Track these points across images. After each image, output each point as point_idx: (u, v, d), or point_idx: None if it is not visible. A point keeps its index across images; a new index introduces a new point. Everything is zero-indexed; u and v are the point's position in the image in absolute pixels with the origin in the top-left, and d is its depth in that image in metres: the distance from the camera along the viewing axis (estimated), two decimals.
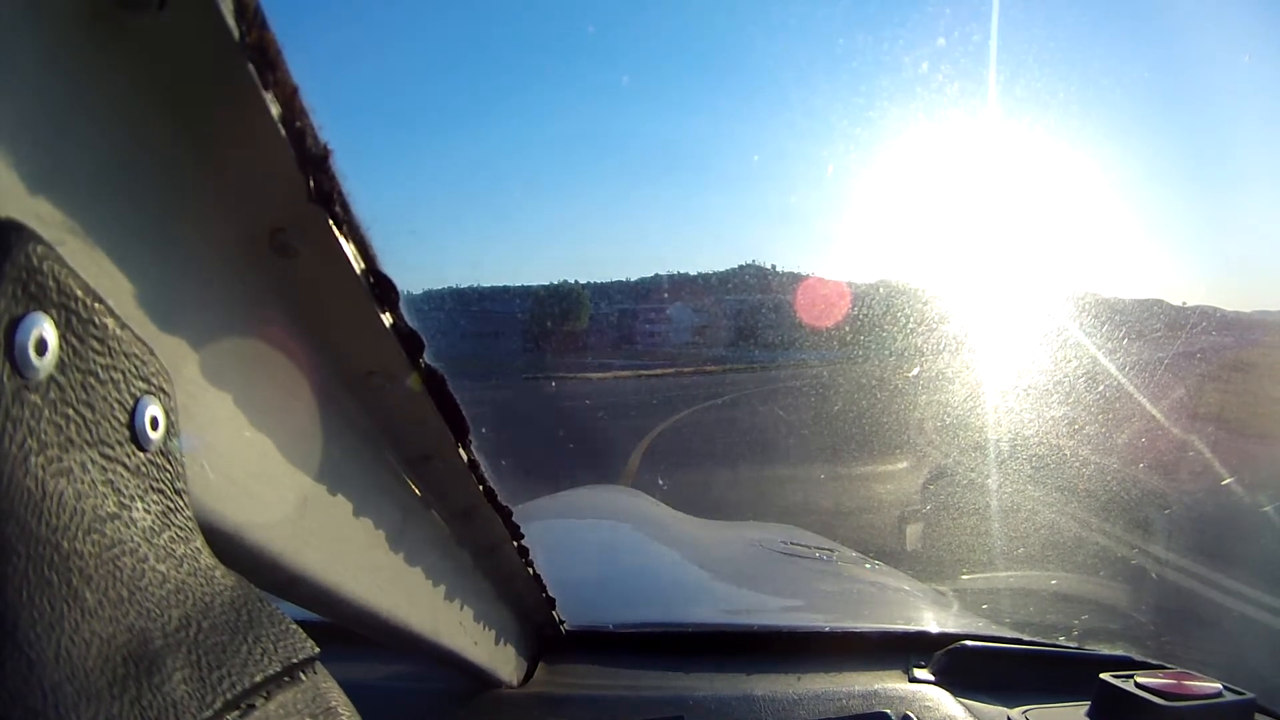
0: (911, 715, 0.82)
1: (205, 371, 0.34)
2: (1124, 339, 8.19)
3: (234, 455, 0.36)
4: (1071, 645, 1.06)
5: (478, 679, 0.83)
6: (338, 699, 0.35)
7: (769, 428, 10.75)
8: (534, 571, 0.81)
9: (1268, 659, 2.94)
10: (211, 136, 0.32)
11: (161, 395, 0.29)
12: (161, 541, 0.29)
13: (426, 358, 0.46)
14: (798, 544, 1.85)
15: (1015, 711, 0.85)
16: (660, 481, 5.92)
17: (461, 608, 0.70)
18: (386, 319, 0.42)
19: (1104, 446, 5.74)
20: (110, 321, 0.27)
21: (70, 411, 0.25)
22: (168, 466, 0.30)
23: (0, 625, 0.21)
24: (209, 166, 0.32)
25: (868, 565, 1.83)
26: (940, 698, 0.87)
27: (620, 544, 1.68)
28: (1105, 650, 1.02)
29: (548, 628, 0.99)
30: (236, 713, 0.29)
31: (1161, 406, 6.29)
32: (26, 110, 0.25)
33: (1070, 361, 7.05)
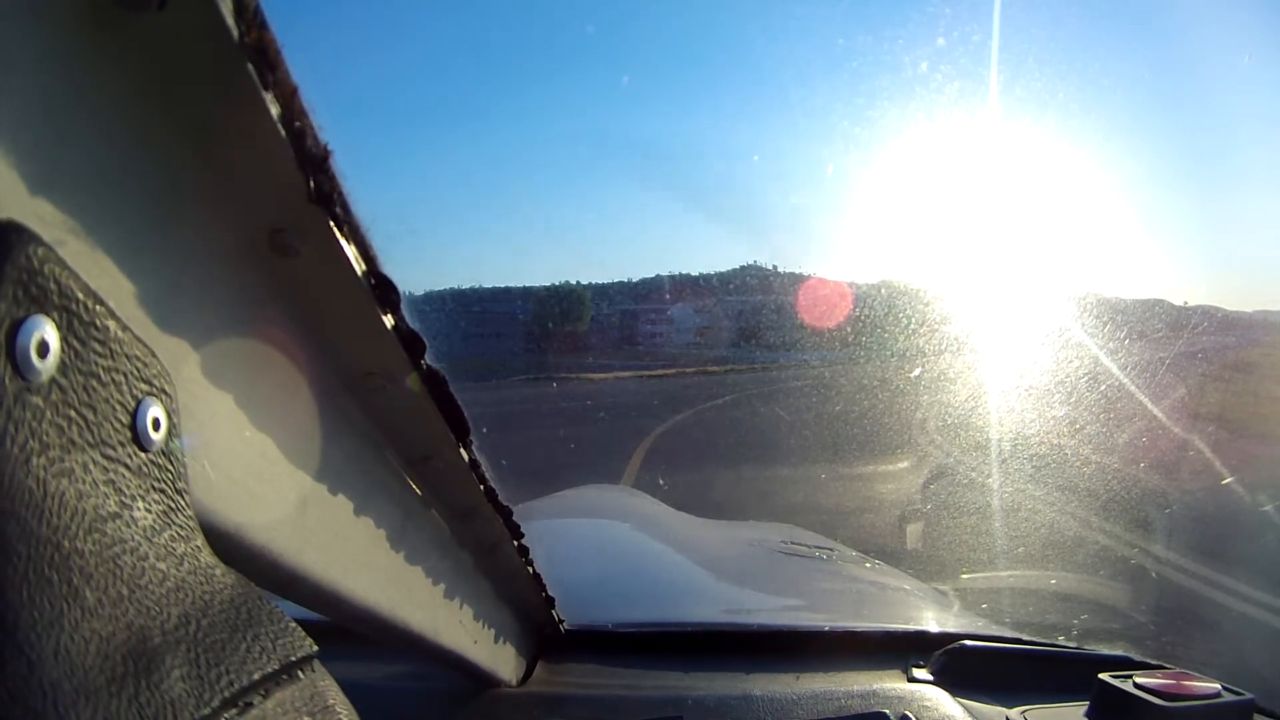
0: (910, 715, 0.82)
1: (206, 372, 0.34)
2: (1126, 339, 8.19)
3: (235, 455, 0.36)
4: (1071, 645, 1.06)
5: (477, 678, 0.83)
6: (336, 697, 0.36)
7: (770, 428, 10.74)
8: (534, 571, 0.82)
9: (1268, 659, 2.93)
10: (211, 136, 0.32)
11: (163, 396, 0.29)
12: (162, 540, 0.29)
13: (427, 358, 0.46)
14: (797, 543, 1.85)
15: (1014, 711, 0.85)
16: (660, 481, 5.92)
17: (461, 607, 0.70)
18: (387, 320, 0.42)
19: (1105, 446, 5.73)
20: (112, 323, 0.27)
21: (72, 413, 0.25)
22: (169, 466, 0.30)
23: (1, 624, 0.21)
24: (209, 166, 0.32)
25: (867, 565, 1.83)
26: (939, 697, 0.87)
27: (620, 544, 1.68)
28: (1104, 650, 1.02)
29: (547, 627, 0.99)
30: (234, 710, 0.29)
31: (1163, 406, 6.28)
32: (26, 110, 0.25)
33: (1072, 361, 7.05)
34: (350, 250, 0.37)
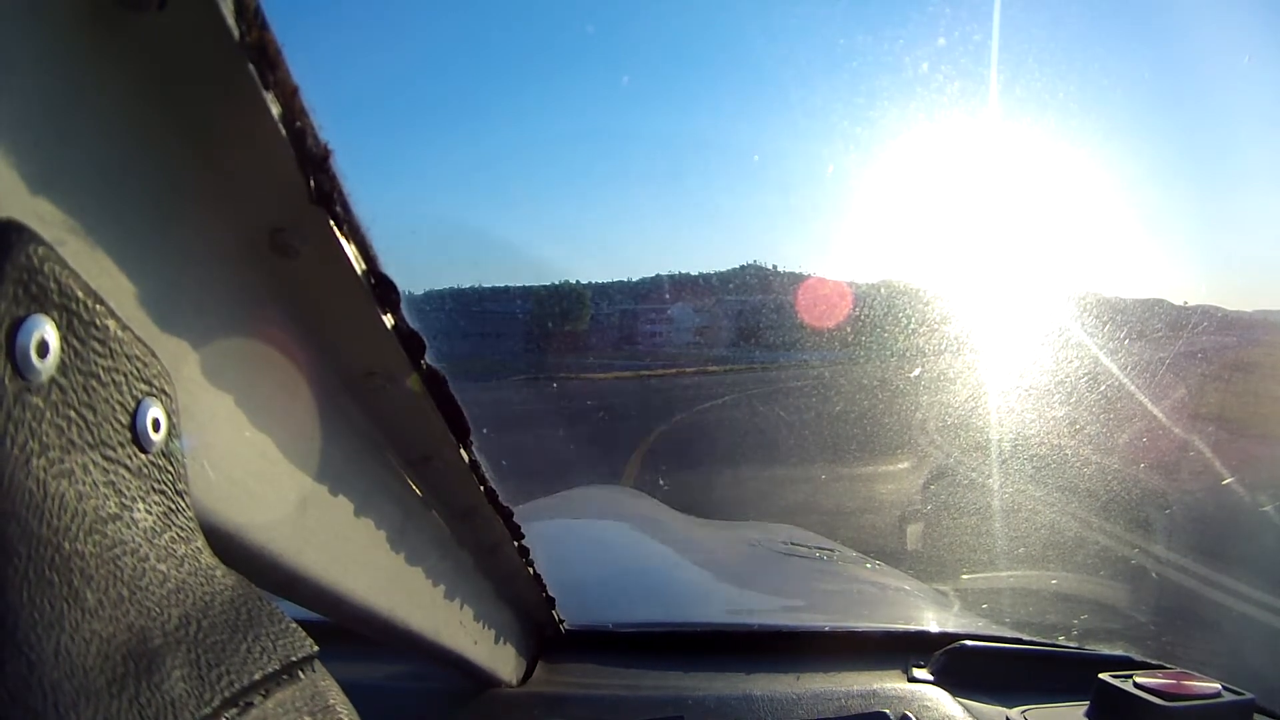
0: (910, 715, 0.82)
1: (206, 372, 0.34)
2: (1125, 339, 8.19)
3: (235, 455, 0.36)
4: (1071, 645, 1.06)
5: (478, 678, 0.83)
6: (336, 697, 0.36)
7: (770, 428, 10.74)
8: (534, 571, 0.81)
9: (1268, 659, 2.93)
10: (211, 136, 0.32)
11: (163, 397, 0.29)
12: (162, 542, 0.29)
13: (427, 358, 0.46)
14: (798, 544, 1.85)
15: (1014, 711, 0.85)
16: (660, 482, 5.92)
17: (462, 607, 0.70)
18: (387, 319, 0.42)
19: (1105, 446, 5.73)
20: (112, 323, 0.27)
21: (72, 413, 0.25)
22: (169, 468, 0.30)
23: (1, 625, 0.21)
24: (209, 166, 0.32)
25: (868, 565, 1.83)
26: (939, 697, 0.87)
27: (620, 544, 1.68)
28: (1105, 650, 1.02)
29: (548, 627, 0.99)
30: (235, 710, 0.29)
31: (1163, 406, 6.28)
32: (26, 110, 0.25)
33: (1072, 361, 7.05)
34: (350, 250, 0.37)
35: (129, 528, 0.27)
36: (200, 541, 0.31)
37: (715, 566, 1.52)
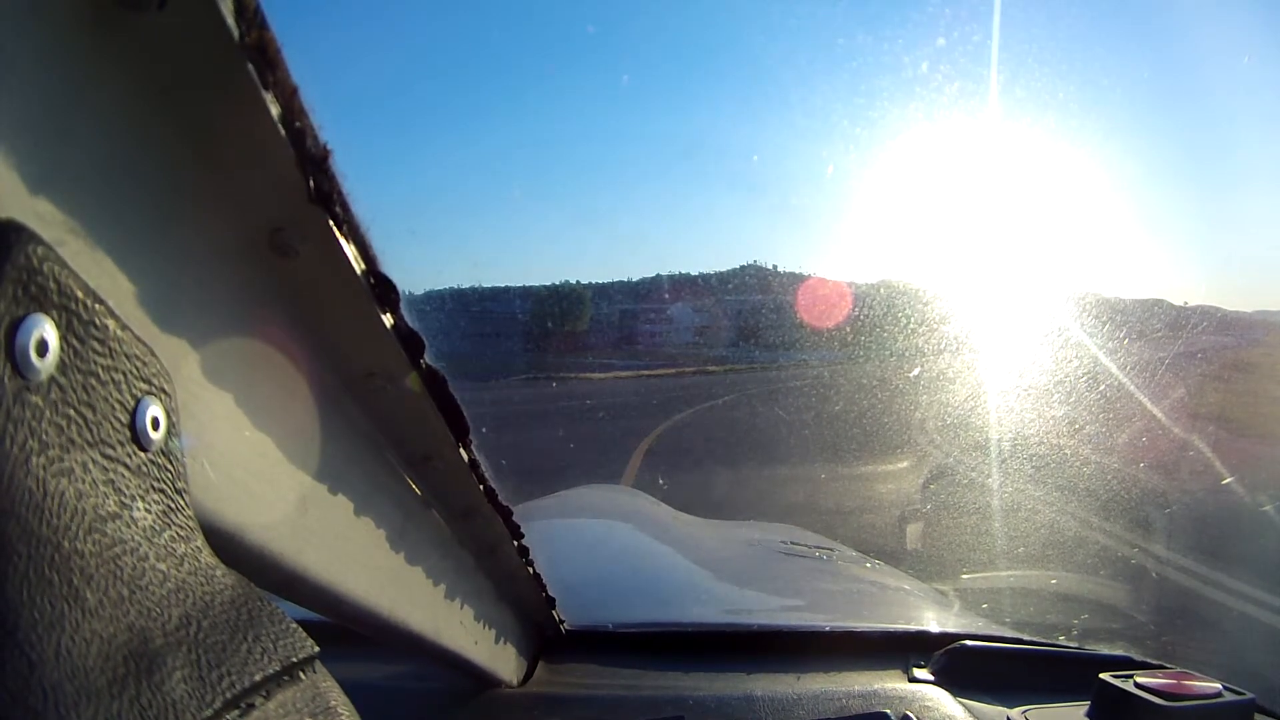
0: (911, 715, 0.81)
1: (206, 371, 0.34)
2: (1125, 339, 8.20)
3: (235, 455, 0.36)
4: (1071, 645, 1.06)
5: (478, 678, 0.83)
6: (337, 698, 0.36)
7: (770, 428, 10.74)
8: (534, 571, 0.82)
9: (1268, 659, 2.94)
10: (211, 136, 0.32)
11: (162, 396, 0.29)
12: (162, 541, 0.29)
13: (427, 358, 0.46)
14: (798, 543, 1.85)
15: (1015, 711, 0.85)
16: (660, 481, 5.92)
17: (462, 607, 0.70)
18: (387, 319, 0.42)
19: (1105, 446, 5.73)
20: (111, 323, 0.27)
21: (71, 412, 0.25)
22: (169, 466, 0.30)
23: (1, 625, 0.21)
24: (209, 166, 0.32)
25: (868, 565, 1.83)
26: (940, 697, 0.87)
27: (620, 544, 1.68)
28: (1105, 650, 1.02)
29: (548, 627, 0.99)
30: (236, 711, 0.29)
31: (1162, 406, 6.29)
32: (26, 110, 0.25)
33: (1071, 361, 7.06)
34: (350, 250, 0.37)
35: (129, 526, 0.27)
36: (200, 541, 0.31)
37: (715, 566, 1.52)
